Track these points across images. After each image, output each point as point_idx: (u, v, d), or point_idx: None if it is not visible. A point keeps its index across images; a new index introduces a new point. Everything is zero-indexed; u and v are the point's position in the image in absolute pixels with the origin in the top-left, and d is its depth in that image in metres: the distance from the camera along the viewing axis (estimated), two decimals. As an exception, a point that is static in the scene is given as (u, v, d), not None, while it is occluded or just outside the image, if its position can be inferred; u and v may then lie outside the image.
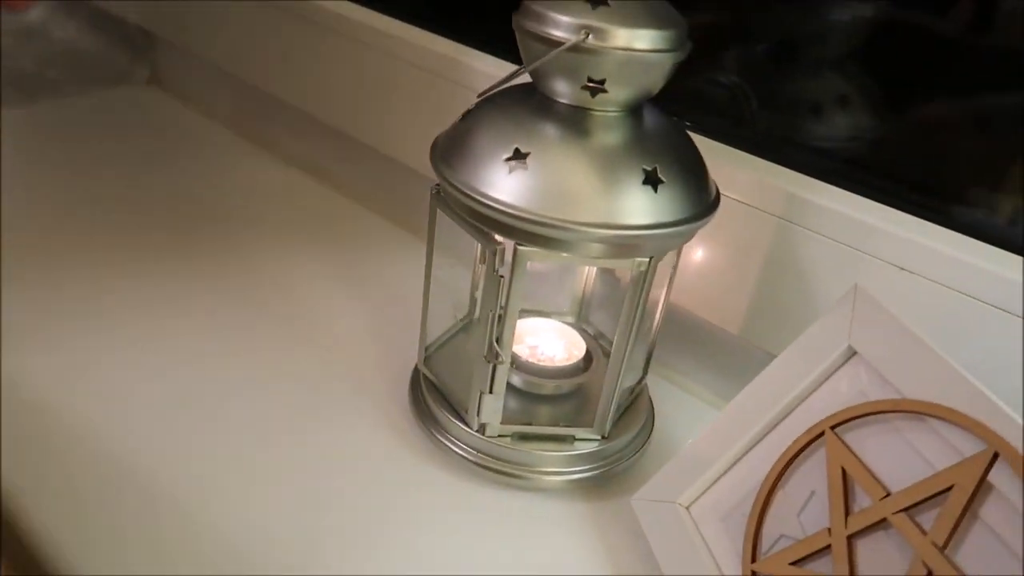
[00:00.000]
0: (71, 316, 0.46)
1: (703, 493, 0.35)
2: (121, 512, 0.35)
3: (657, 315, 0.41)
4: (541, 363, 0.42)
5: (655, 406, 0.44)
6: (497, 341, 0.36)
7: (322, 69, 0.62)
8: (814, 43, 0.52)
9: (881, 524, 0.29)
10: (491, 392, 0.37)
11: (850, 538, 0.29)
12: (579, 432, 0.39)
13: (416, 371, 0.44)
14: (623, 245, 0.34)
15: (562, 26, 0.32)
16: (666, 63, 0.33)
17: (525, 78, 0.35)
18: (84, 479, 0.36)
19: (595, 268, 0.47)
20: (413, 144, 0.58)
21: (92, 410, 0.40)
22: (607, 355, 0.45)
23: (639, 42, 0.32)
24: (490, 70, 0.52)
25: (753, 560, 0.32)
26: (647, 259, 0.34)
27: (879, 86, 0.49)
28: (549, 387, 0.41)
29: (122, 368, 0.43)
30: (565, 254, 0.34)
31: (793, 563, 0.30)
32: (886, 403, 0.30)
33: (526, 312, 0.45)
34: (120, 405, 0.40)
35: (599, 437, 0.40)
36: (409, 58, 0.56)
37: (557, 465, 0.39)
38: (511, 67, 0.52)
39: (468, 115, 0.37)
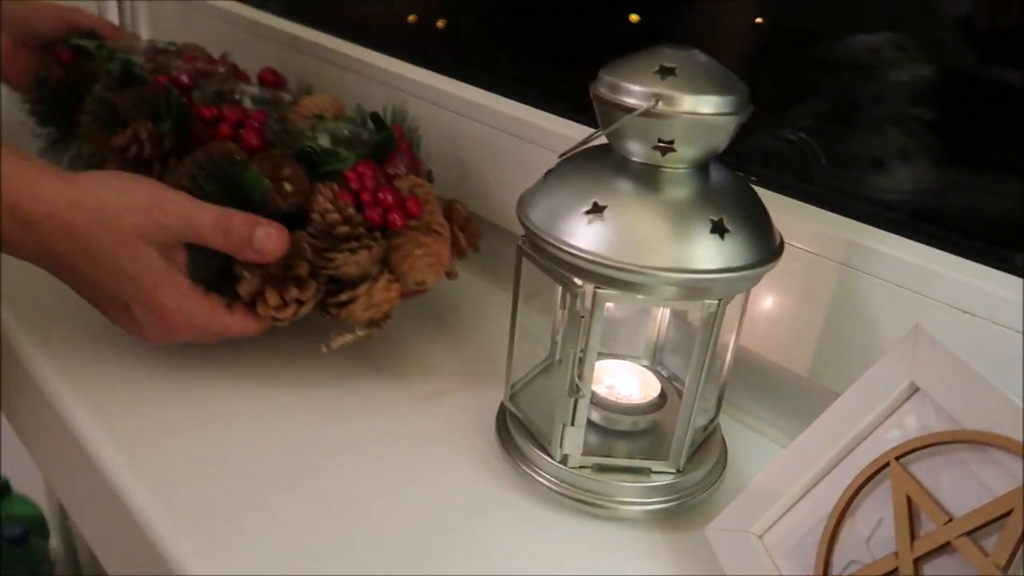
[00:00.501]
0: (157, 367, 0.51)
1: (775, 523, 0.37)
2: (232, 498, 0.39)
3: (728, 356, 0.44)
4: (618, 401, 0.45)
5: (728, 445, 0.47)
6: (578, 377, 0.39)
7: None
8: (875, 101, 0.55)
9: (945, 548, 0.30)
10: (573, 424, 0.40)
11: (916, 561, 0.31)
12: (655, 465, 0.42)
13: (501, 408, 0.47)
14: (693, 288, 0.37)
15: (635, 94, 0.36)
16: (729, 125, 0.37)
17: (600, 139, 0.39)
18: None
19: (668, 314, 0.50)
20: (495, 202, 0.62)
21: (175, 469, 0.45)
22: (680, 395, 0.48)
23: (704, 107, 0.36)
24: (564, 132, 0.57)
25: (823, 584, 0.34)
26: (716, 301, 0.38)
27: (938, 139, 0.51)
28: (626, 423, 0.44)
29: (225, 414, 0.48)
30: (640, 296, 0.37)
31: (862, 586, 0.32)
32: (947, 434, 0.32)
33: (604, 355, 0.48)
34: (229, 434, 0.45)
35: (674, 470, 0.42)
36: (491, 122, 0.61)
37: (634, 496, 0.42)
38: (579, 128, 0.57)
39: (551, 173, 0.41)
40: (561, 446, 0.41)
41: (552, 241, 0.37)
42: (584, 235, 0.37)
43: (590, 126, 0.57)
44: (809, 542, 0.36)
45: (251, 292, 0.45)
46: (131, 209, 0.42)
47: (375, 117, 0.53)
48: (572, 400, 0.40)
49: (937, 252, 0.42)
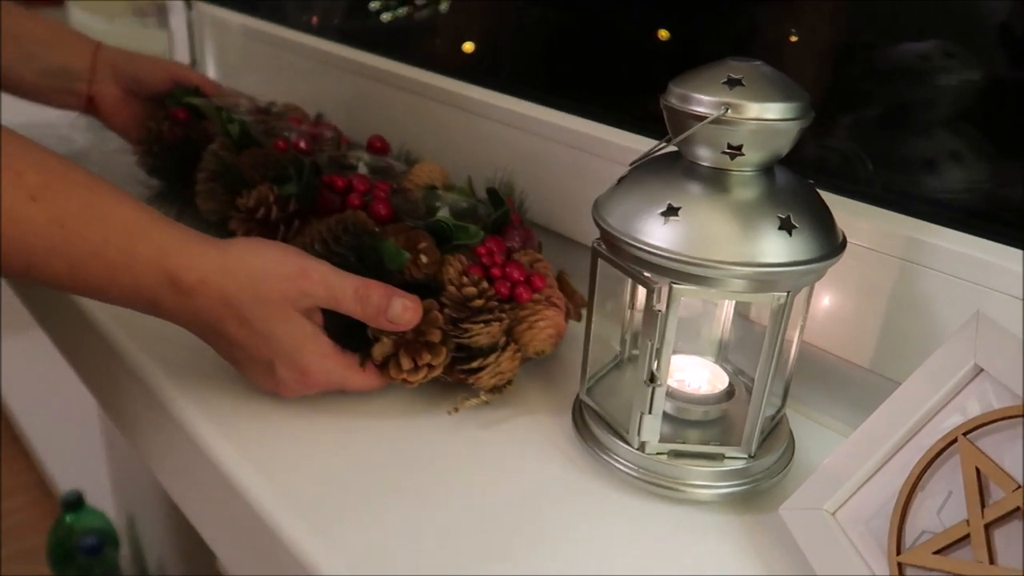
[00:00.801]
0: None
1: (847, 500, 0.40)
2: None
3: (792, 350, 0.46)
4: (689, 392, 0.48)
5: (794, 436, 0.49)
6: (655, 367, 0.42)
7: (476, 149, 0.72)
8: (925, 106, 0.57)
9: (1015, 513, 0.33)
10: (650, 412, 0.43)
11: (987, 526, 0.33)
12: (728, 451, 0.45)
13: (576, 404, 0.50)
14: (763, 281, 0.40)
15: (704, 103, 0.39)
16: (793, 130, 0.40)
17: (666, 148, 0.42)
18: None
19: (731, 314, 0.53)
20: (558, 212, 0.66)
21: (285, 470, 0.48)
22: (746, 387, 0.50)
23: (770, 113, 0.39)
24: (620, 142, 0.60)
25: (898, 553, 0.36)
26: (784, 293, 0.40)
27: (988, 140, 0.53)
28: (698, 412, 0.47)
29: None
30: (713, 290, 0.40)
31: (936, 552, 0.35)
32: (1012, 409, 0.34)
33: (674, 351, 0.51)
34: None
35: (746, 456, 0.45)
36: (553, 136, 0.65)
37: (709, 480, 0.44)
38: (635, 139, 0.60)
39: (623, 180, 0.44)
40: (639, 434, 0.44)
41: (630, 241, 0.41)
42: (660, 234, 0.40)
43: (641, 136, 0.60)
44: (881, 517, 0.38)
45: (384, 355, 0.48)
46: (279, 276, 0.45)
47: (492, 192, 0.57)
48: (649, 389, 0.43)
49: (992, 244, 0.45)
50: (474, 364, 0.49)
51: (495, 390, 0.50)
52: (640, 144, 0.60)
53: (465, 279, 0.49)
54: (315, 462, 0.46)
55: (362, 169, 0.64)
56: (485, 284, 0.49)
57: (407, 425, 0.50)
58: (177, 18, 1.11)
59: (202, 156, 0.66)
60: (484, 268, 0.50)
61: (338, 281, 0.47)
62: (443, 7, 0.90)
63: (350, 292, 0.47)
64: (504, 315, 0.49)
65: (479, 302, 0.48)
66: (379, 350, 0.48)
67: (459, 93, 0.73)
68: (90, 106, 0.78)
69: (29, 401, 1.92)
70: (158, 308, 0.45)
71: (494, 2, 0.86)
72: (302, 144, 0.66)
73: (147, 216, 0.44)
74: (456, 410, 0.49)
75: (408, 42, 0.93)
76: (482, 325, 0.48)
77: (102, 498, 1.50)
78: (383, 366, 0.49)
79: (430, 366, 0.48)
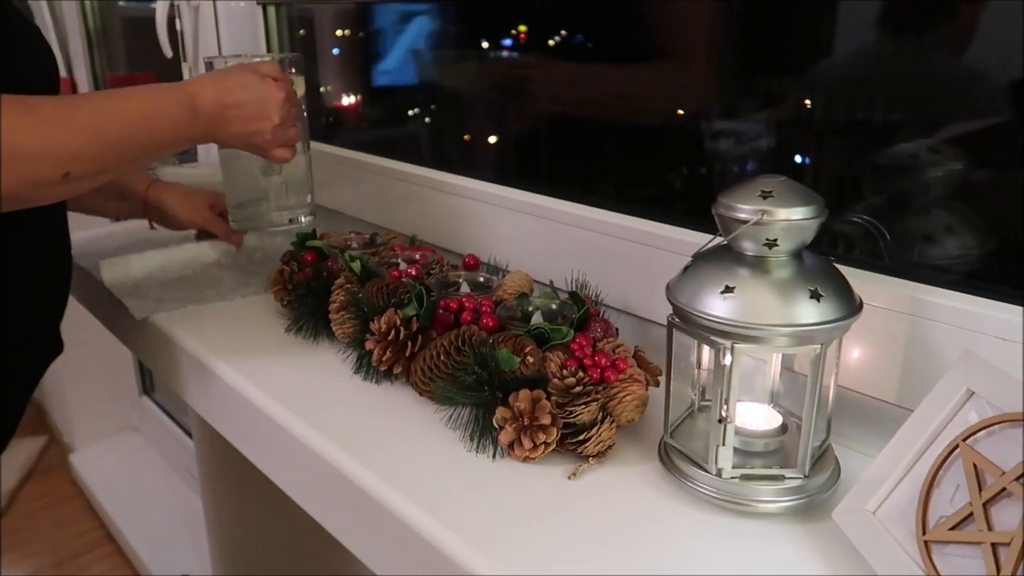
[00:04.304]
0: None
1: (883, 501, 0.52)
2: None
3: (831, 390, 0.59)
4: (751, 428, 0.61)
5: (839, 462, 0.61)
6: (725, 410, 0.55)
7: (553, 249, 0.87)
8: (922, 191, 0.72)
9: (1003, 492, 0.45)
10: (723, 444, 0.56)
11: (984, 504, 0.45)
12: (787, 472, 0.57)
13: (661, 444, 0.63)
14: (801, 337, 0.53)
15: (747, 211, 0.54)
16: (814, 225, 0.54)
17: (716, 242, 0.57)
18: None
19: (779, 367, 0.66)
20: (622, 294, 0.80)
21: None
22: (796, 425, 0.63)
23: (795, 215, 0.53)
24: (676, 236, 0.75)
25: (923, 534, 0.48)
26: (819, 345, 0.54)
27: (976, 215, 0.67)
28: (759, 444, 0.60)
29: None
30: (764, 346, 0.54)
31: (950, 529, 0.47)
32: (995, 418, 0.47)
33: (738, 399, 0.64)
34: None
35: (802, 476, 0.57)
36: (619, 235, 0.80)
37: (773, 496, 0.57)
38: (690, 233, 0.75)
39: (688, 268, 0.58)
40: (716, 462, 0.57)
41: (699, 314, 0.55)
42: (721, 307, 0.54)
43: (695, 230, 0.75)
44: (910, 510, 0.50)
45: (509, 440, 0.62)
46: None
47: (574, 295, 0.73)
48: (722, 427, 0.56)
49: (982, 300, 0.58)
50: (580, 437, 0.62)
51: (599, 455, 0.63)
52: (684, 236, 0.75)
53: (565, 371, 0.63)
54: (478, 496, 0.60)
55: (464, 288, 0.79)
56: (581, 373, 0.63)
57: (540, 482, 0.63)
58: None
59: (330, 290, 0.82)
60: (578, 360, 0.64)
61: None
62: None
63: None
64: (599, 395, 0.63)
65: (578, 388, 0.62)
66: (504, 437, 0.62)
67: (536, 204, 0.89)
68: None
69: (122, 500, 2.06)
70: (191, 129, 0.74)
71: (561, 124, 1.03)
72: (412, 272, 0.81)
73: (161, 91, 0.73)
74: (574, 475, 0.62)
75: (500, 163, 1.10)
76: (583, 406, 0.62)
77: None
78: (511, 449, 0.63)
79: (545, 443, 0.62)
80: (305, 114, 0.91)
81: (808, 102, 0.81)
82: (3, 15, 0.72)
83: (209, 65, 0.88)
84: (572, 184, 1.07)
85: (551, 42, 1.07)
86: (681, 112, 0.94)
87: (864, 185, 0.78)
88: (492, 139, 1.21)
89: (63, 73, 2.00)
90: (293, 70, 0.89)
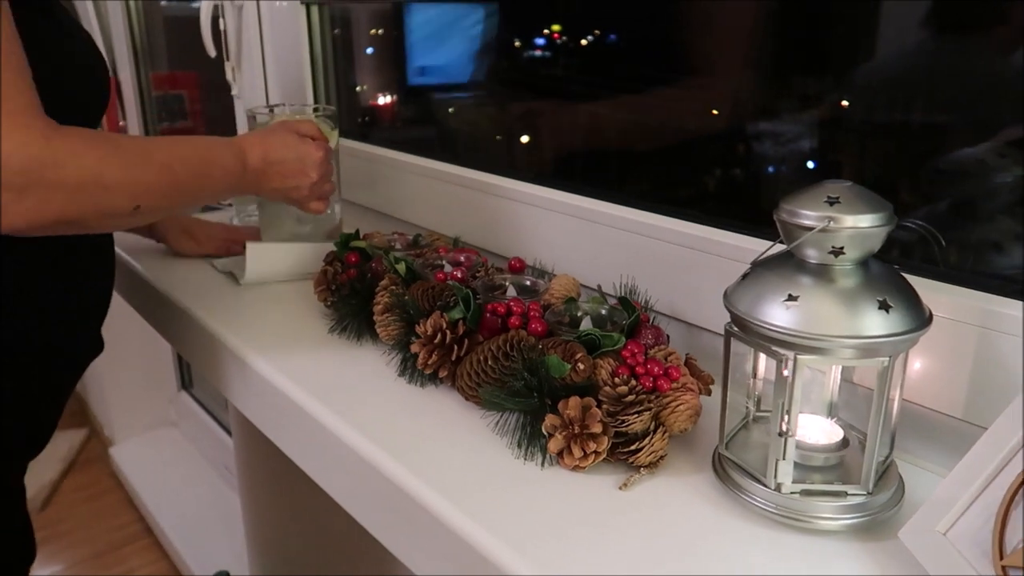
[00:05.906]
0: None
1: (955, 522, 0.50)
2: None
3: (896, 404, 0.57)
4: (811, 442, 0.59)
5: (904, 479, 0.59)
6: (786, 422, 0.54)
7: (601, 251, 0.86)
8: (990, 197, 0.69)
9: (1089, 518, 0.42)
10: (784, 458, 0.54)
11: (1068, 530, 0.43)
12: (850, 488, 0.55)
13: (716, 456, 0.62)
14: (868, 349, 0.51)
15: (811, 217, 0.52)
16: (882, 233, 0.52)
17: (775, 249, 0.55)
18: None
19: (839, 379, 0.64)
20: (673, 300, 0.78)
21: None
22: (858, 439, 0.61)
23: (863, 223, 0.51)
24: (727, 240, 0.73)
25: (1001, 559, 0.46)
26: (887, 358, 0.52)
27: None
28: (819, 459, 0.58)
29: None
30: (829, 358, 0.52)
31: (1030, 555, 0.44)
32: (1080, 439, 0.45)
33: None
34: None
35: (865, 493, 0.55)
36: (667, 239, 0.78)
37: (835, 513, 0.55)
38: (740, 238, 0.73)
39: (747, 275, 0.57)
40: (775, 476, 0.55)
41: (760, 323, 0.53)
42: (784, 317, 0.52)
43: (753, 236, 0.73)
44: (985, 532, 0.48)
45: (559, 448, 0.61)
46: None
47: (624, 300, 0.71)
48: (783, 440, 0.54)
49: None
50: (632, 447, 0.61)
51: (651, 465, 0.62)
52: (736, 240, 0.73)
53: (616, 379, 0.61)
54: (526, 503, 0.59)
55: (511, 292, 0.78)
56: (633, 381, 0.61)
57: (589, 491, 0.61)
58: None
59: (374, 291, 0.81)
60: (630, 368, 0.63)
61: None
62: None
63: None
64: (651, 404, 0.61)
65: (630, 397, 0.61)
66: (554, 445, 0.61)
67: (581, 206, 0.87)
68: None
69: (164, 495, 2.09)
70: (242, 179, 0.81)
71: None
72: (458, 275, 0.80)
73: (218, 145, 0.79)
74: (626, 485, 0.60)
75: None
76: (635, 415, 0.60)
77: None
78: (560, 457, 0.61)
79: (596, 452, 0.60)
80: (336, 166, 0.97)
81: (853, 104, 0.79)
82: (56, 24, 0.74)
83: (252, 118, 1.01)
84: (612, 185, 1.05)
85: (584, 41, 1.06)
86: (738, 119, 0.92)
87: (921, 190, 0.75)
88: (525, 139, 1.19)
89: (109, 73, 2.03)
90: (330, 124, 0.98)
